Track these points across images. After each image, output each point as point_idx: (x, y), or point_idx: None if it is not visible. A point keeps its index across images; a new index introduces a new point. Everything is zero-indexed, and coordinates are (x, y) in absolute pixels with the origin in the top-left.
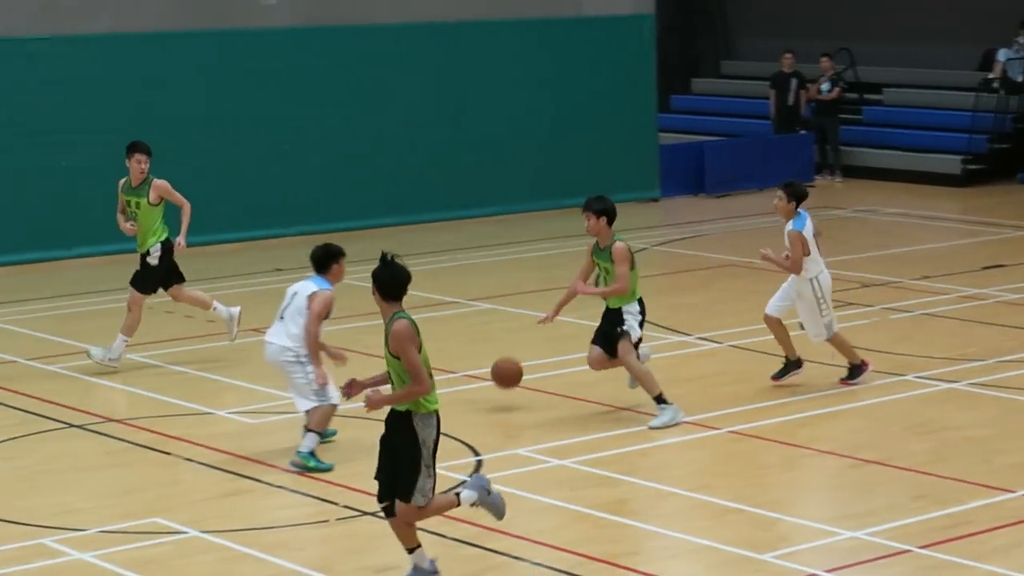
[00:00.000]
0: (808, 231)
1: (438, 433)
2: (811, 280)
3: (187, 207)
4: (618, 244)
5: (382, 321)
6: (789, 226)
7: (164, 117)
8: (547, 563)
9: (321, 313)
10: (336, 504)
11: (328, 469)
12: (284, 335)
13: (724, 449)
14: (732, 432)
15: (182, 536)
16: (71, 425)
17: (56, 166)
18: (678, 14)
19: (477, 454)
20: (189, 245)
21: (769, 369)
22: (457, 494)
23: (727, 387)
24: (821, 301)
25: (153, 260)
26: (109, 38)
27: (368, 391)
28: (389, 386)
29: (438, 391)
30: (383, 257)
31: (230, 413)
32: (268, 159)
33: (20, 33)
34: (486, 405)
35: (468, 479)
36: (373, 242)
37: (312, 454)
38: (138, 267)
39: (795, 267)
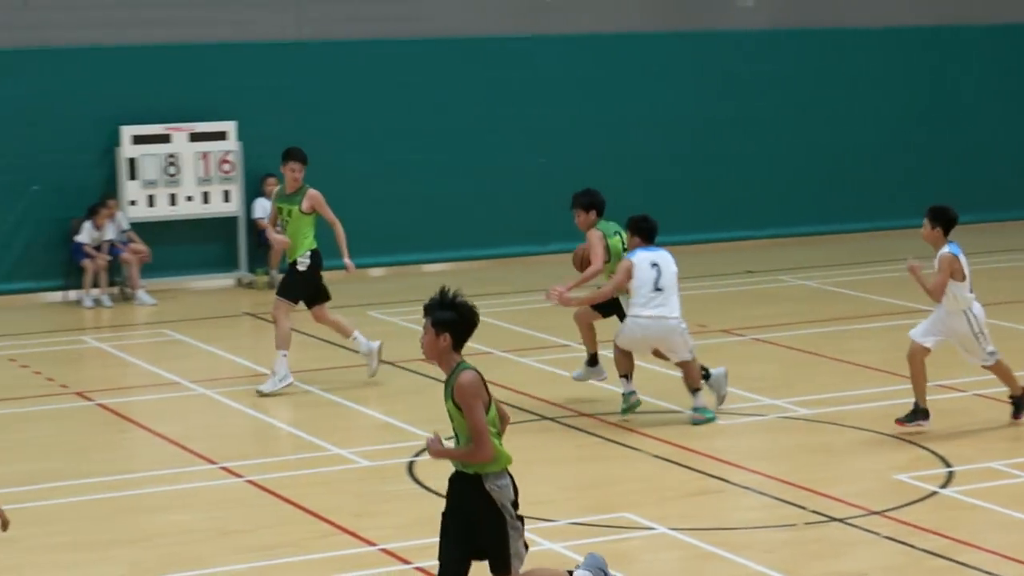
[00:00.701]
0: (963, 259)
1: (515, 490)
2: (965, 312)
3: (339, 226)
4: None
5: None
6: (944, 250)
7: (628, 118)
8: None
9: None
10: (804, 508)
11: (712, 418)
12: (674, 308)
13: None
14: None
15: (650, 532)
16: (544, 417)
17: (534, 163)
18: None
19: (948, 465)
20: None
21: None
22: (570, 572)
23: None
24: (979, 335)
25: (302, 267)
26: (587, 38)
27: (430, 438)
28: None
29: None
30: (452, 298)
31: None
32: (732, 161)
33: (504, 32)
34: (956, 415)
35: (585, 558)
36: (840, 247)
37: (705, 407)
38: (286, 275)
39: (936, 291)
